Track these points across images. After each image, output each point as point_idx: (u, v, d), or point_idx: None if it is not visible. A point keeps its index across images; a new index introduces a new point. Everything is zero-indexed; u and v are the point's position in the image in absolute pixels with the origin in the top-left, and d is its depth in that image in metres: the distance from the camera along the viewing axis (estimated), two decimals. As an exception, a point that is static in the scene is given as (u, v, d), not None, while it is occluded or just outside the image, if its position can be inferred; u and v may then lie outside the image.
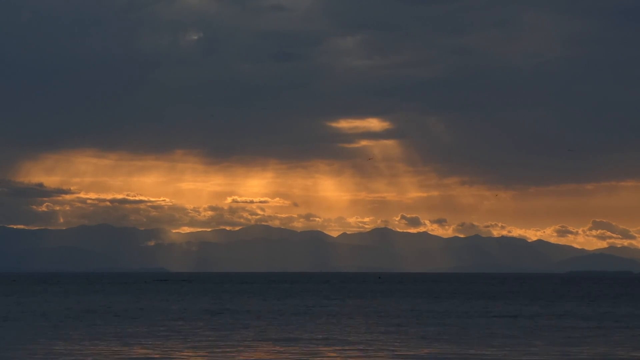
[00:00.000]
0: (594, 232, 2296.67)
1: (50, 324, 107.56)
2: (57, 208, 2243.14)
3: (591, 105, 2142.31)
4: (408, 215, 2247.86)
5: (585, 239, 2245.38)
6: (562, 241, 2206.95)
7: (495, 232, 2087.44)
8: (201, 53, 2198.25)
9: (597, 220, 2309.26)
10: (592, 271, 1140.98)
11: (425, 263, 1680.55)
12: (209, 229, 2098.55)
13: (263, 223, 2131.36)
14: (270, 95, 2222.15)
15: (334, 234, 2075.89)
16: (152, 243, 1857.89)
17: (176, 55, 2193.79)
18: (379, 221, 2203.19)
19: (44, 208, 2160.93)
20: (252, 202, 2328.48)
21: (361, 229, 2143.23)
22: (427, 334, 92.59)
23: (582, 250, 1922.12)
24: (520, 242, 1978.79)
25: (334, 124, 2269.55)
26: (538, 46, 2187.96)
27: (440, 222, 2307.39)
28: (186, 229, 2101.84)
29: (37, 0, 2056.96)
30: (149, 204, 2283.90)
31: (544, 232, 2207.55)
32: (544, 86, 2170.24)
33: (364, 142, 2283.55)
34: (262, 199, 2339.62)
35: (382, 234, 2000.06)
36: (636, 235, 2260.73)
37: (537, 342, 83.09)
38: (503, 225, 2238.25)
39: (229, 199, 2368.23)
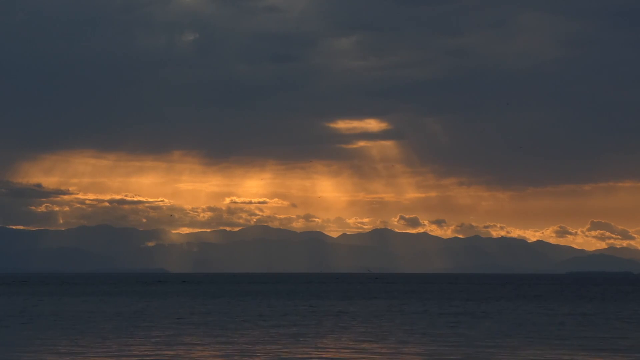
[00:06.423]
0: (593, 233, 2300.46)
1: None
2: (56, 209, 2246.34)
3: (588, 106, 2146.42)
4: (407, 216, 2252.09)
5: (585, 240, 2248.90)
6: (562, 242, 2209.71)
7: (495, 233, 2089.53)
8: (197, 54, 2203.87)
9: (595, 220, 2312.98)
10: (591, 272, 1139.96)
11: (425, 264, 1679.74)
12: (209, 230, 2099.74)
13: (263, 224, 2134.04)
14: (267, 96, 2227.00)
15: (334, 234, 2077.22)
16: (151, 244, 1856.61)
17: (173, 56, 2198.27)
18: (378, 222, 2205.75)
19: (42, 209, 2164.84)
20: (250, 202, 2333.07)
21: (360, 230, 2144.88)
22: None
23: (582, 250, 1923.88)
24: (520, 242, 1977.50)
25: (332, 125, 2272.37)
26: (534, 47, 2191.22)
27: (439, 222, 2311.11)
28: (186, 230, 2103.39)
29: (34, 1, 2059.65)
30: (147, 204, 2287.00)
31: (543, 232, 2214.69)
32: (541, 87, 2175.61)
33: (362, 143, 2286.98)
34: (260, 200, 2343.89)
35: (381, 235, 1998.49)
36: (635, 235, 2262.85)
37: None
38: (502, 225, 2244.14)
39: (228, 200, 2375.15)
